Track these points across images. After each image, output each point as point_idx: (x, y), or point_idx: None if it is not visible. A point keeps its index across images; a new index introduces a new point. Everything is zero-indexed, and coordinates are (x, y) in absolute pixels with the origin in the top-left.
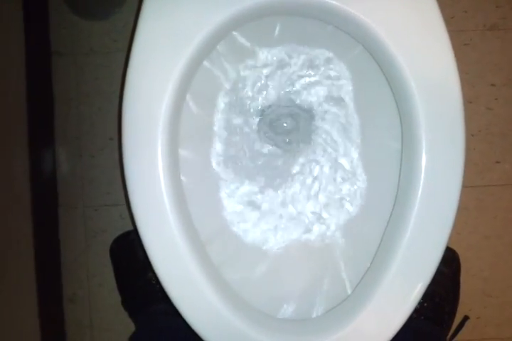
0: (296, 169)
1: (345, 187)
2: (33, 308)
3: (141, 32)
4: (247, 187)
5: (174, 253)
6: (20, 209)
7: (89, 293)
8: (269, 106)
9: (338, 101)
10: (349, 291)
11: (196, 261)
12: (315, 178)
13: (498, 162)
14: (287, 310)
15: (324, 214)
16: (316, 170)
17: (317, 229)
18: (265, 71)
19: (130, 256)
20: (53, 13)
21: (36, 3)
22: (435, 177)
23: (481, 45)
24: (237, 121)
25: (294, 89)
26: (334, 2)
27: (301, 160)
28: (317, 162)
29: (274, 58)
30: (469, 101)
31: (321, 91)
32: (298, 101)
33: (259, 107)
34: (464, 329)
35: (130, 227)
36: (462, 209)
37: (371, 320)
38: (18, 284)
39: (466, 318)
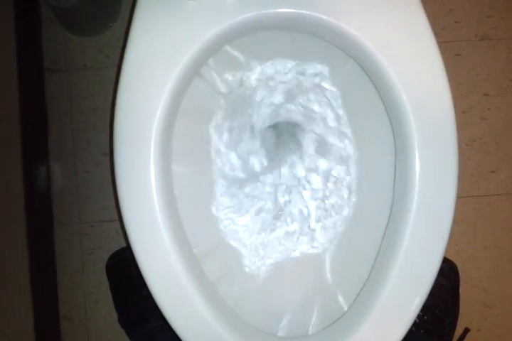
0: (291, 183)
1: (340, 201)
2: (29, 326)
3: (131, 47)
4: (244, 202)
5: (168, 271)
6: (15, 226)
7: (85, 310)
8: (264, 122)
9: (332, 117)
10: (344, 305)
11: (191, 278)
12: (311, 192)
13: (493, 171)
14: (284, 325)
15: (318, 229)
16: (313, 184)
17: (310, 243)
18: (258, 85)
19: (126, 273)
20: (46, 29)
21: (29, 20)
22: (429, 189)
23: (473, 55)
24: (232, 135)
25: (287, 103)
26: (325, 17)
27: (295, 172)
28: (313, 175)
29: (266, 72)
30: (463, 112)
31: (314, 105)
32: (291, 116)
33: (254, 122)
34: None
35: (126, 244)
36: (459, 220)
37: (370, 336)
38: (14, 302)
39: (466, 330)
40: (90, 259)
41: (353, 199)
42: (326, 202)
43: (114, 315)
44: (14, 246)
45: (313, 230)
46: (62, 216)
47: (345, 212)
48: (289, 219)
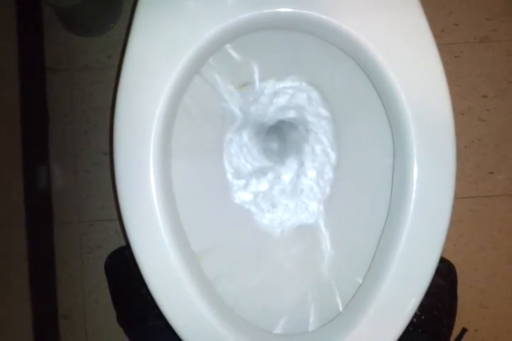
0: (293, 180)
1: (338, 200)
2: (27, 325)
3: (132, 46)
4: (244, 195)
5: (167, 270)
6: (14, 225)
7: (84, 309)
8: (264, 120)
9: (328, 118)
10: (340, 304)
11: (190, 277)
12: (312, 190)
13: (491, 173)
14: (282, 324)
15: (318, 224)
16: (314, 182)
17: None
18: (257, 84)
19: (125, 272)
20: (48, 29)
21: (31, 20)
22: (427, 189)
23: (472, 57)
24: (235, 133)
25: (287, 103)
26: (324, 16)
27: (298, 170)
28: (313, 172)
29: (265, 72)
30: (461, 113)
31: (313, 106)
32: (290, 116)
33: (255, 120)
34: None
35: (125, 242)
36: (457, 221)
37: (366, 335)
38: (13, 300)
39: (464, 331)
40: (89, 258)
41: (352, 197)
42: (326, 199)
43: (113, 314)
44: (14, 245)
45: (314, 228)
46: (62, 215)
47: (345, 210)
48: (288, 215)
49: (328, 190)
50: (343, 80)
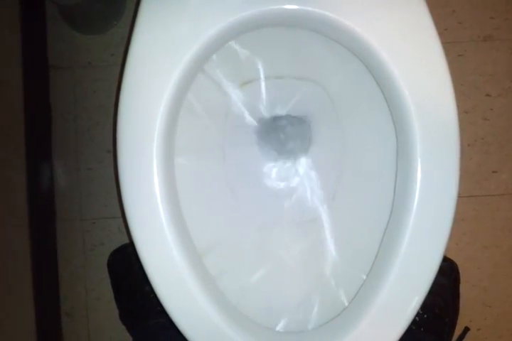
0: (296, 177)
1: (341, 198)
2: (30, 322)
3: (136, 42)
4: (247, 192)
5: (171, 267)
6: (17, 222)
7: (87, 307)
8: (267, 118)
9: (332, 116)
10: (345, 302)
11: (193, 274)
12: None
13: (494, 172)
14: (284, 321)
15: (321, 221)
16: (316, 179)
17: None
18: (260, 80)
19: (128, 270)
20: (51, 27)
21: (34, 18)
22: (430, 188)
23: (475, 56)
24: (237, 131)
25: (291, 101)
26: (328, 13)
27: (300, 168)
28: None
29: (269, 69)
30: (465, 112)
31: (316, 104)
32: (294, 113)
33: (258, 118)
34: None
35: (128, 240)
36: (460, 219)
37: (368, 334)
38: (16, 298)
39: (466, 330)
40: (92, 256)
41: (355, 195)
42: (329, 197)
43: (116, 312)
44: (16, 243)
45: (316, 226)
46: (65, 213)
47: (348, 208)
48: (291, 212)
49: (331, 187)
50: (347, 78)
